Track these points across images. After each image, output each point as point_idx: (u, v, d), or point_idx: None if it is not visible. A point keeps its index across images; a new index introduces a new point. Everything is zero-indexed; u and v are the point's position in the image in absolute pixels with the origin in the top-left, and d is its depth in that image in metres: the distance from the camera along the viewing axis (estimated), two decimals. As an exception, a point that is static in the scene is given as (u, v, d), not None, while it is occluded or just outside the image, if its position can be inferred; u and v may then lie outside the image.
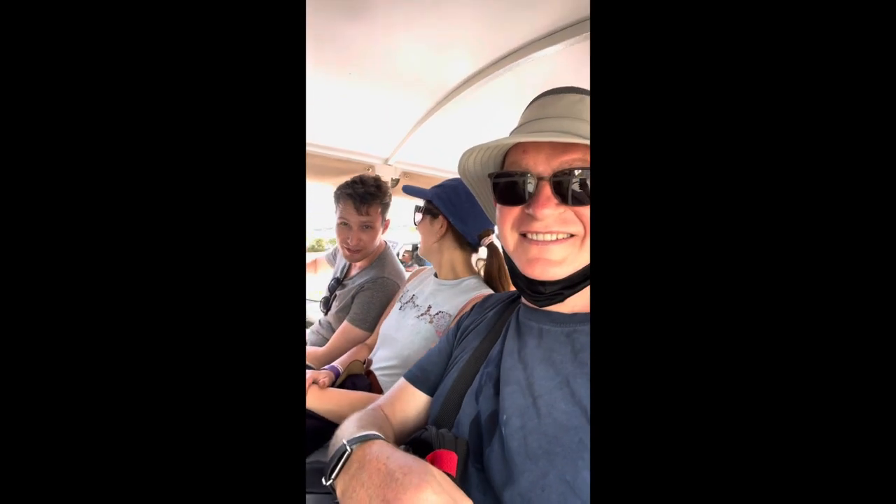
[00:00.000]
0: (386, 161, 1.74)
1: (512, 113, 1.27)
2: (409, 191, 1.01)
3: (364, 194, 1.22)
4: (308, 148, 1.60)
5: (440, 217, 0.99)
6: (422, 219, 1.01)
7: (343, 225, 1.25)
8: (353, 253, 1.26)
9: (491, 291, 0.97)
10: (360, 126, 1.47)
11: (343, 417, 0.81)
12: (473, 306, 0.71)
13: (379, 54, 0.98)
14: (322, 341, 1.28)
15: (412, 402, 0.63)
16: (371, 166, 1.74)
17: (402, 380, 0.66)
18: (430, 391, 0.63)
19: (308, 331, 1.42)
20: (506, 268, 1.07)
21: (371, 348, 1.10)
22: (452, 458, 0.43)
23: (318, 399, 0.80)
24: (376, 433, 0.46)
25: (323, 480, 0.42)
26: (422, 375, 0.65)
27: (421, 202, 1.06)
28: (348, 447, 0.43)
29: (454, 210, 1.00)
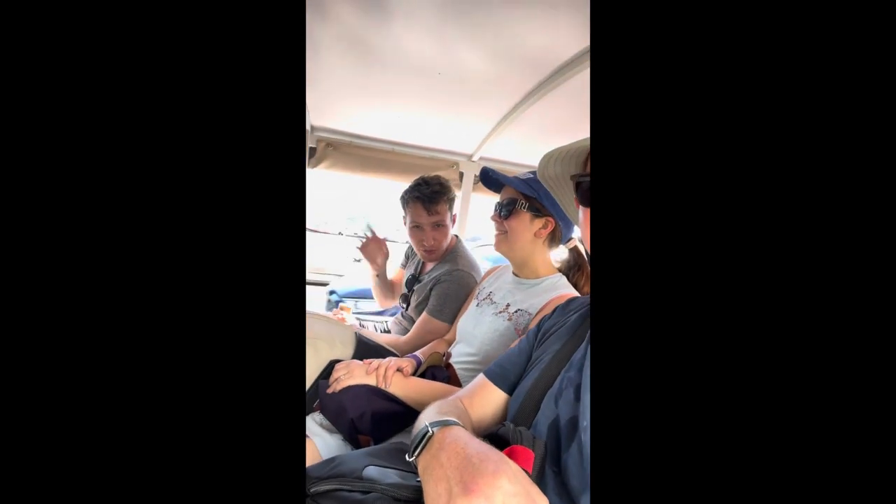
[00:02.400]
0: (470, 157, 1.76)
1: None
2: (510, 182, 0.96)
3: (431, 194, 1.25)
4: (393, 147, 1.69)
5: (545, 218, 0.96)
6: (517, 213, 0.95)
7: (416, 228, 1.29)
8: (430, 253, 1.31)
9: (574, 291, 0.93)
10: (445, 123, 1.51)
11: (423, 405, 0.84)
12: (556, 308, 0.69)
13: (467, 51, 0.99)
14: (404, 332, 1.36)
15: (490, 399, 0.64)
16: (455, 163, 1.77)
17: (481, 376, 0.68)
18: (509, 390, 0.63)
19: (390, 322, 1.51)
20: (588, 269, 1.02)
21: (450, 343, 1.13)
22: (529, 456, 0.43)
23: (402, 385, 0.86)
24: (456, 420, 0.48)
25: (406, 457, 0.46)
26: (501, 373, 0.65)
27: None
28: (430, 429, 0.45)
29: (560, 212, 0.97)
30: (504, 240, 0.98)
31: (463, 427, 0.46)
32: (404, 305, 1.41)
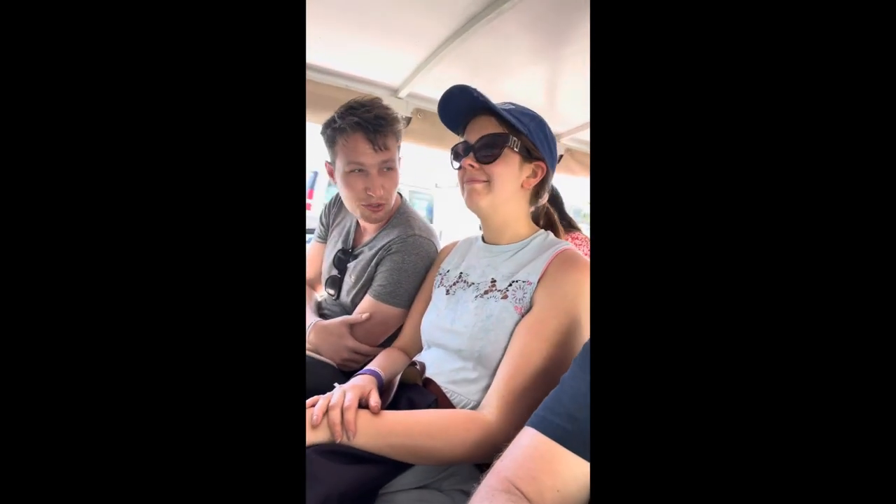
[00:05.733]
0: (395, 93, 1.37)
1: (543, 41, 1.02)
2: (498, 110, 0.66)
3: (377, 120, 0.83)
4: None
5: (536, 162, 0.69)
6: (505, 155, 0.67)
7: (357, 173, 0.85)
8: (377, 210, 0.89)
9: (570, 245, 0.71)
10: (366, 46, 1.11)
11: (421, 456, 0.54)
12: None
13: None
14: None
15: (569, 472, 0.37)
16: (377, 98, 1.36)
17: (536, 435, 0.40)
18: None
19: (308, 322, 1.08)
20: (559, 227, 0.83)
21: (408, 352, 0.82)
22: None
23: (375, 431, 0.53)
24: None
25: None
26: (576, 430, 0.39)
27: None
28: None
29: (549, 155, 0.71)
30: (485, 191, 0.68)
31: None
32: (332, 293, 0.99)
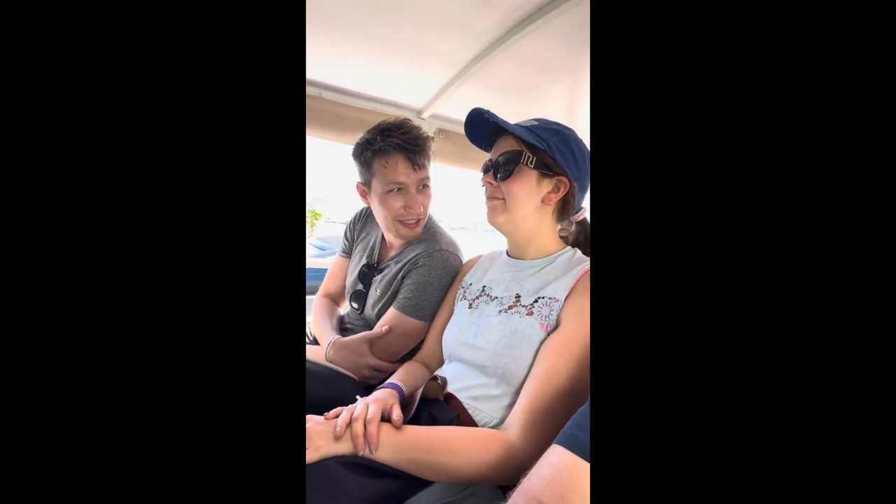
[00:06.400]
0: (419, 114, 1.41)
1: (567, 63, 1.06)
2: (512, 128, 0.67)
3: (416, 141, 0.87)
4: (320, 92, 1.26)
5: (558, 177, 0.69)
6: (520, 171, 0.68)
7: (397, 192, 0.88)
8: (415, 226, 0.92)
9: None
10: (392, 70, 1.16)
11: (442, 473, 0.54)
12: None
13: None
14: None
15: None
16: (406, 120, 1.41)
17: (565, 453, 0.39)
18: None
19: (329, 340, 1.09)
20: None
21: (429, 366, 0.82)
22: None
23: (396, 445, 0.53)
24: None
25: None
26: None
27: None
28: None
29: (576, 169, 0.71)
30: (501, 209, 0.70)
31: None
32: (356, 307, 1.01)
